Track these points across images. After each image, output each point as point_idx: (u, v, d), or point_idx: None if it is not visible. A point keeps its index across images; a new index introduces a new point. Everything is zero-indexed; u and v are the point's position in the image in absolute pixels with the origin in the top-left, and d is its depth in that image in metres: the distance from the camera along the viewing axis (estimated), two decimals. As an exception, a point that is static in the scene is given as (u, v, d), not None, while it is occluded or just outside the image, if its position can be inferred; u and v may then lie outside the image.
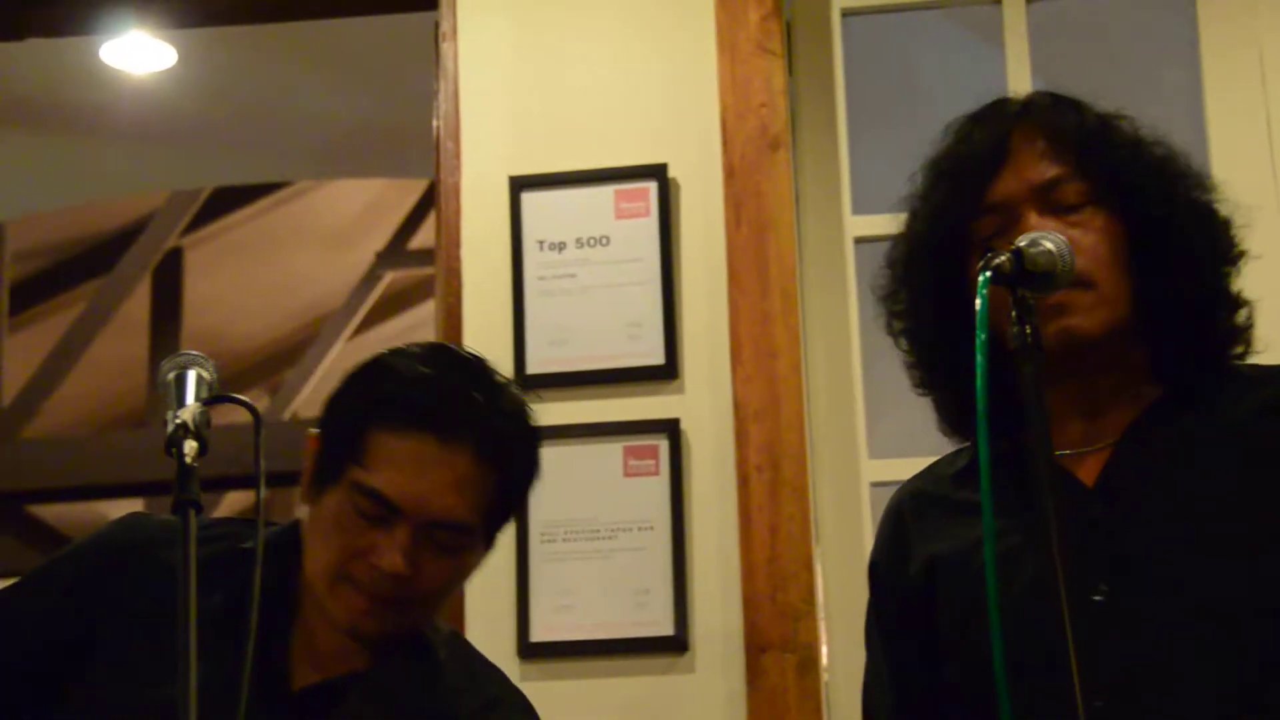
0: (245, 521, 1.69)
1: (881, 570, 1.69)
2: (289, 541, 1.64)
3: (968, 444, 1.64)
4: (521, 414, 1.66)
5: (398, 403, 1.57)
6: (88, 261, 7.68)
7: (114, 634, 1.59)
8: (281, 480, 1.68)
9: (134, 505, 8.27)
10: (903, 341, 1.64)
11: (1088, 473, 1.54)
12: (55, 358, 7.27)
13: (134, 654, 1.57)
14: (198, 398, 1.44)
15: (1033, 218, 1.52)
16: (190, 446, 1.37)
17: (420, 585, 1.57)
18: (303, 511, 1.65)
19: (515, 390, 1.67)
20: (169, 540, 1.51)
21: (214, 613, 1.52)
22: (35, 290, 7.69)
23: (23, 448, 6.96)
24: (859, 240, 2.65)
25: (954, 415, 1.61)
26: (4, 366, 6.95)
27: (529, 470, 1.68)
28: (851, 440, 2.57)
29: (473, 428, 1.57)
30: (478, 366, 1.64)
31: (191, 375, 1.46)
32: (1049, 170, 1.54)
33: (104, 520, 1.77)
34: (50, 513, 8.36)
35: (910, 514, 1.66)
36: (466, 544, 1.60)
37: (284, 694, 1.57)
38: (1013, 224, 1.52)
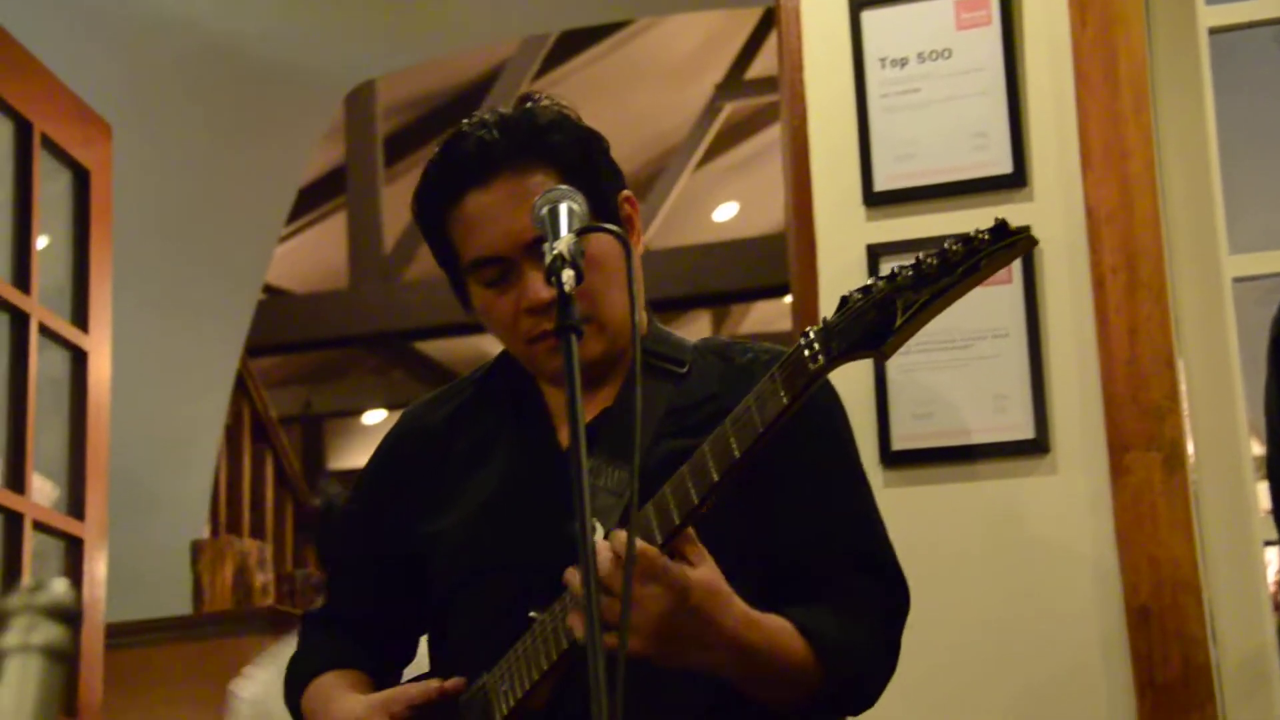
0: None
1: None
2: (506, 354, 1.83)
3: None
4: (530, 111, 1.73)
5: (437, 190, 1.74)
6: (450, 111, 8.02)
7: (413, 494, 1.82)
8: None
9: (507, 340, 8.68)
10: None
11: None
12: (428, 205, 7.63)
13: (432, 499, 1.79)
14: (571, 229, 1.52)
15: None
16: (568, 275, 1.47)
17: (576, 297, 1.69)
18: None
19: (528, 102, 1.75)
20: (425, 410, 1.87)
21: (465, 454, 1.79)
22: (406, 141, 8.10)
23: (405, 290, 7.36)
24: (1213, 30, 2.55)
25: None
26: (384, 215, 7.35)
27: (574, 138, 1.73)
28: (1211, 237, 2.52)
29: (494, 157, 1.69)
30: (479, 116, 1.74)
31: (564, 208, 1.54)
32: None
33: (482, 355, 1.96)
34: (433, 348, 8.89)
35: None
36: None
37: (557, 453, 1.72)
38: None
